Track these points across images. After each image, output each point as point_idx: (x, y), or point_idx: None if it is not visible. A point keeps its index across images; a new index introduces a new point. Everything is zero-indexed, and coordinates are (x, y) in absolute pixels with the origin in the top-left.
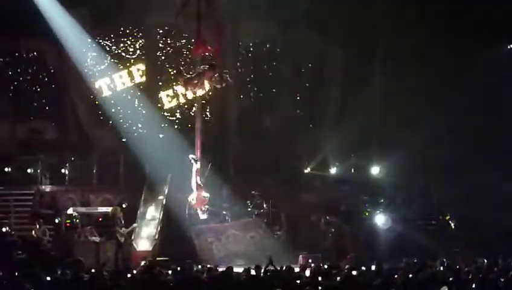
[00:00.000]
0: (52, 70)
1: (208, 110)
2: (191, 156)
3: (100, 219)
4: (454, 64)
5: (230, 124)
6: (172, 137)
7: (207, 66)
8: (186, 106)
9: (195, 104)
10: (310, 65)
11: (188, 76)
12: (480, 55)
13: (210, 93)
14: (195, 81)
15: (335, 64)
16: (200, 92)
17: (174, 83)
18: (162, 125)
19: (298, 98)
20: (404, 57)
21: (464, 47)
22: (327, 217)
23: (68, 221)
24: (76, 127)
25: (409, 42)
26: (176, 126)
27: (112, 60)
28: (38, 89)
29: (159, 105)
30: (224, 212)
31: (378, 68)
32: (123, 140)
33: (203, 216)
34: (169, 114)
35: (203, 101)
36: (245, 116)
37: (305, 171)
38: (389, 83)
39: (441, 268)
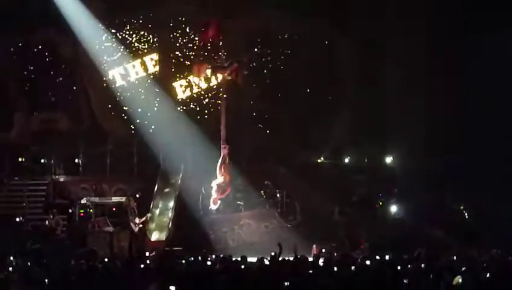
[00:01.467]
0: (66, 61)
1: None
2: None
3: (114, 209)
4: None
5: (244, 114)
6: (186, 127)
7: (238, 61)
8: (200, 96)
9: (216, 93)
10: (322, 55)
11: (219, 64)
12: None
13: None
14: (226, 70)
15: (348, 54)
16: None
17: (188, 73)
18: (176, 115)
19: (312, 87)
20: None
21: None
22: (341, 207)
23: (82, 211)
24: (90, 117)
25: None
26: (189, 116)
27: (126, 50)
28: (52, 80)
29: (172, 95)
30: (238, 202)
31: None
32: (136, 130)
33: (213, 207)
34: (182, 104)
35: (219, 90)
36: (259, 106)
37: (319, 160)
38: (398, 73)
39: (455, 258)
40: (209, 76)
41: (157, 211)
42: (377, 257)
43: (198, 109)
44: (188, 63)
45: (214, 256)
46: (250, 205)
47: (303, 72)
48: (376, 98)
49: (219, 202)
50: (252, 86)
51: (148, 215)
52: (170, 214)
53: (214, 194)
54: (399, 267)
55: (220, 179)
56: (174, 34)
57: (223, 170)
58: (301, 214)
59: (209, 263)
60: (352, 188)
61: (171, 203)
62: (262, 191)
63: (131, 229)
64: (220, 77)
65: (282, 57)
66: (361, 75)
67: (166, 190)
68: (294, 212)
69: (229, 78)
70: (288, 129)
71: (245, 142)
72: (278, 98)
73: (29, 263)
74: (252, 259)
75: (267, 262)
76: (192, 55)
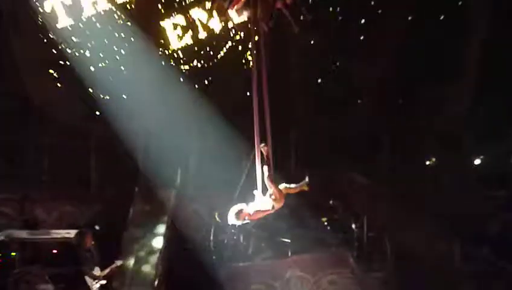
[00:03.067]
0: None
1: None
2: (261, 145)
3: (55, 252)
4: None
5: (291, 87)
6: (184, 101)
7: None
8: (212, 45)
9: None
10: None
11: None
12: None
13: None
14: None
15: None
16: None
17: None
18: (166, 79)
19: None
20: None
21: None
22: (465, 246)
23: None
24: (14, 86)
25: None
26: (190, 81)
27: None
28: None
29: (161, 43)
30: (281, 239)
31: None
32: (95, 107)
33: (235, 221)
34: (179, 60)
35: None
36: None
37: (427, 162)
38: None
39: None
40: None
41: (133, 256)
42: None
43: (206, 68)
44: None
45: None
46: (303, 244)
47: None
48: None
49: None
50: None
51: (118, 262)
52: (158, 259)
53: (249, 209)
54: None
55: (257, 203)
56: None
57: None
58: (395, 259)
59: None
60: (486, 211)
61: (159, 241)
62: (325, 219)
63: (87, 287)
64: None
65: None
66: None
67: (151, 216)
68: (384, 256)
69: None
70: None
71: (295, 130)
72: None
73: None
74: None
75: None
76: None
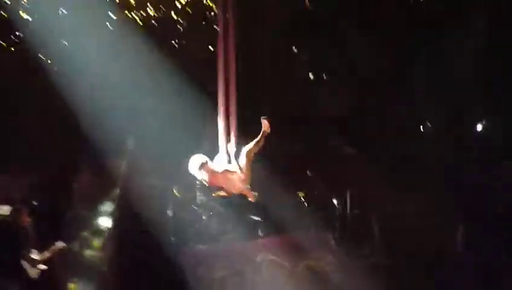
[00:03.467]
0: None
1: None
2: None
3: None
4: None
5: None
6: (137, 55)
7: None
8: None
9: None
10: None
11: None
12: None
13: None
14: None
15: None
16: None
17: None
18: (116, 30)
19: None
20: None
21: None
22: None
23: None
24: None
25: None
26: (150, 40)
27: None
28: None
29: None
30: (252, 216)
31: None
32: (33, 62)
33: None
34: (131, 8)
35: None
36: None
37: (420, 128)
38: None
39: None
40: None
41: (76, 237)
42: None
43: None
44: None
45: None
46: (276, 224)
47: None
48: None
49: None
50: None
51: (60, 244)
52: (104, 241)
53: (215, 165)
54: None
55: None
56: None
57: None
58: (386, 243)
59: None
60: (490, 186)
61: (107, 220)
62: (302, 195)
63: (25, 273)
64: None
65: None
66: None
67: (97, 191)
68: (372, 238)
69: None
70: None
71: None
72: None
73: None
74: None
75: None
76: None
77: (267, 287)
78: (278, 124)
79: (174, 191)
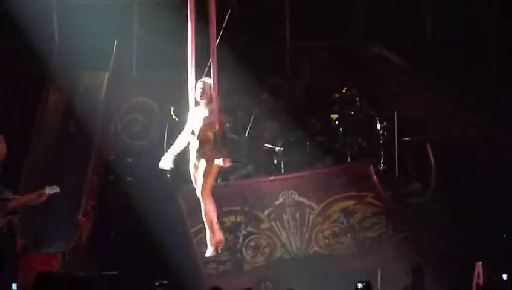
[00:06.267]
0: None
1: None
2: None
3: None
4: None
5: None
6: None
7: None
8: None
9: None
10: None
11: None
12: None
13: None
14: None
15: None
16: None
17: None
18: None
19: None
20: None
21: None
22: None
23: None
24: None
25: None
26: None
27: None
28: None
29: None
30: (267, 145)
31: None
32: None
33: None
34: None
35: None
36: None
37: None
38: None
39: None
40: None
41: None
42: None
43: None
44: None
45: None
46: (301, 154)
47: None
48: None
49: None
50: None
51: (51, 189)
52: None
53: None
54: None
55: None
56: None
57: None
58: (442, 176)
59: None
60: None
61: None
62: (334, 116)
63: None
64: None
65: None
66: None
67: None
68: (424, 170)
69: None
70: None
71: None
72: None
73: None
74: None
75: None
76: None
77: (293, 236)
78: None
79: (172, 112)
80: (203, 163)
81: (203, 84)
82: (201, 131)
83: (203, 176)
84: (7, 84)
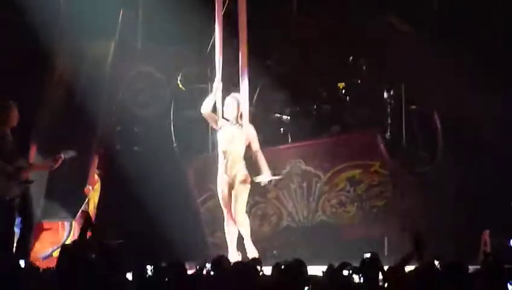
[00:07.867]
0: None
1: None
2: None
3: None
4: None
5: None
6: None
7: None
8: None
9: None
10: None
11: None
12: None
13: None
14: None
15: None
16: None
17: None
18: None
19: None
20: None
21: None
22: None
23: None
24: None
25: None
26: None
27: None
28: None
29: None
30: (277, 115)
31: None
32: None
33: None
34: None
35: None
36: None
37: None
38: None
39: None
40: None
41: None
42: None
43: None
44: None
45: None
46: (309, 123)
47: None
48: None
49: None
50: None
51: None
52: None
53: None
54: None
55: None
56: None
57: None
58: (451, 146)
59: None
60: None
61: None
62: (342, 85)
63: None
64: None
65: None
66: None
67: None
68: (432, 140)
69: None
70: None
71: None
72: None
73: None
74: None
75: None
76: None
77: (301, 206)
78: None
79: (178, 81)
80: (235, 182)
81: (234, 102)
82: (234, 150)
83: (236, 195)
84: (13, 55)
